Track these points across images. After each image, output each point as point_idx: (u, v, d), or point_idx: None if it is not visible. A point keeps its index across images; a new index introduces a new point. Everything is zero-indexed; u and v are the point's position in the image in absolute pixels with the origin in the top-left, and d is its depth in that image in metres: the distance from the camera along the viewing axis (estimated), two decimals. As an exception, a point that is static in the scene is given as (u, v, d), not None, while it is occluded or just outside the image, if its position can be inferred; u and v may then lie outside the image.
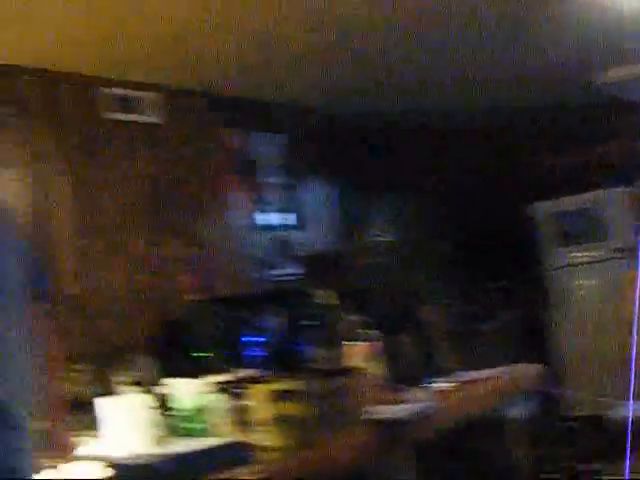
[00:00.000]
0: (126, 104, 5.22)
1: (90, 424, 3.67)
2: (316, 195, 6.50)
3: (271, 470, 2.44)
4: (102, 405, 2.93)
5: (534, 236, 7.73)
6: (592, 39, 5.65)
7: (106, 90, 5.10)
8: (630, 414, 4.27)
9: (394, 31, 5.03)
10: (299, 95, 6.14)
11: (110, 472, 2.50)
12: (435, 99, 6.79)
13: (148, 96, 5.36)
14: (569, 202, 7.60)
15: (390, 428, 2.97)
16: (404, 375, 3.76)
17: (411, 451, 3.21)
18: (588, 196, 7.50)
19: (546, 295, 7.66)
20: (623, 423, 4.87)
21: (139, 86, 5.27)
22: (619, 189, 7.38)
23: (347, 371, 3.20)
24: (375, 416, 3.01)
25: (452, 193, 7.96)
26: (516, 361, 4.39)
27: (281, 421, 2.66)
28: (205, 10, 4.30)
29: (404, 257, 4.32)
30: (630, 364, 5.43)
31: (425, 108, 6.97)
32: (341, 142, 6.71)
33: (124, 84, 5.18)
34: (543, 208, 7.69)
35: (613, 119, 7.52)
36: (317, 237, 6.31)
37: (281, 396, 2.70)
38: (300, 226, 6.21)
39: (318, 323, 4.14)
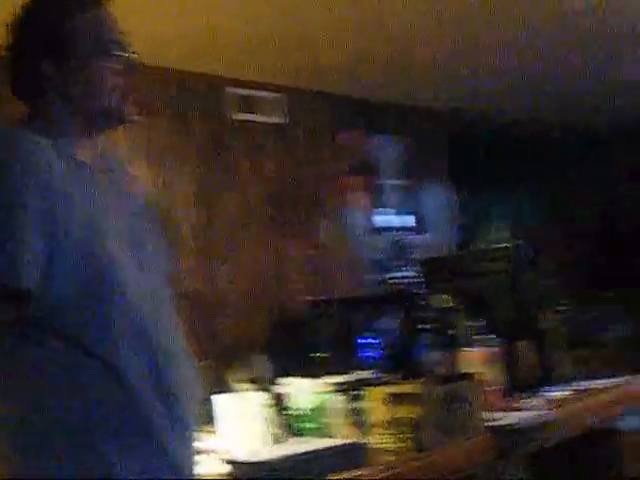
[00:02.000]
0: (251, 104, 5.29)
1: (207, 420, 3.74)
2: (436, 198, 6.48)
3: (386, 473, 2.44)
4: (218, 402, 2.97)
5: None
6: None
7: (232, 90, 5.19)
8: None
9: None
10: (420, 96, 6.13)
11: (227, 468, 2.54)
12: (553, 98, 6.70)
13: (272, 96, 5.42)
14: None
15: (506, 435, 2.94)
16: (522, 382, 3.72)
17: (526, 459, 3.18)
18: None
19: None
20: None
21: (263, 86, 5.34)
22: None
23: (464, 376, 3.18)
24: (491, 423, 2.98)
25: (576, 198, 7.84)
26: (636, 372, 4.30)
27: (396, 424, 2.66)
28: (328, 11, 4.34)
29: (525, 262, 4.26)
30: None
31: (547, 108, 6.88)
32: (463, 144, 6.66)
33: (249, 84, 5.26)
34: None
35: None
36: (436, 240, 6.29)
37: (397, 399, 2.70)
38: (419, 228, 6.20)
39: (436, 327, 4.12)
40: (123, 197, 2.06)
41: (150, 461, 1.82)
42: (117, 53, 2.02)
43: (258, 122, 5.34)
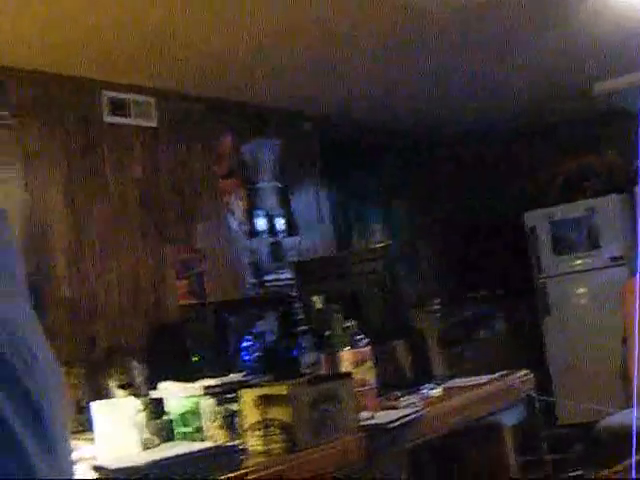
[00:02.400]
0: (123, 108, 5.24)
1: (85, 426, 3.69)
2: (310, 200, 6.52)
3: (259, 475, 2.45)
4: (94, 408, 2.94)
5: (529, 244, 7.76)
6: (587, 49, 5.70)
7: (103, 93, 5.12)
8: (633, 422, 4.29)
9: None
10: (293, 100, 6.17)
11: (97, 475, 2.51)
12: (432, 106, 6.83)
13: (145, 100, 5.37)
14: (563, 210, 7.64)
15: (380, 434, 2.98)
16: (396, 382, 3.78)
17: (402, 457, 3.23)
18: (582, 204, 7.55)
19: (540, 303, 7.69)
20: (613, 431, 4.90)
21: (136, 89, 5.29)
22: (612, 196, 7.42)
23: (337, 377, 3.21)
24: (365, 422, 3.02)
25: (448, 200, 8.00)
26: (508, 368, 4.40)
27: (270, 426, 2.67)
28: (199, 11, 4.32)
29: (398, 263, 4.33)
30: (624, 372, 5.46)
31: (419, 113, 7.00)
32: (335, 147, 6.73)
33: (120, 87, 5.20)
34: (537, 216, 7.72)
35: (606, 128, 7.57)
36: (311, 242, 6.34)
37: (268, 401, 2.71)
38: (294, 231, 6.23)
39: (311, 328, 4.15)
40: None
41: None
42: None
43: (130, 125, 5.29)
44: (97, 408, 2.94)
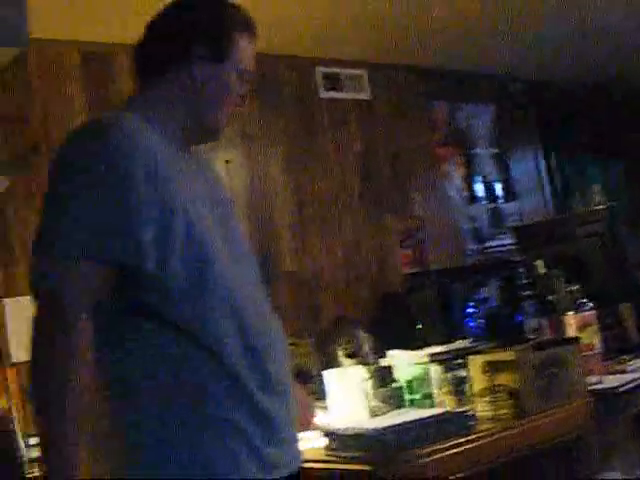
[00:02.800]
0: (336, 82, 5.35)
1: (315, 395, 3.83)
2: (527, 164, 6.45)
3: (488, 439, 2.48)
4: (326, 377, 3.05)
5: None
6: None
7: (317, 69, 5.25)
8: None
9: None
10: (502, 64, 6.10)
11: (327, 441, 2.61)
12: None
13: (357, 73, 5.46)
14: None
15: (609, 399, 2.95)
16: (622, 345, 3.71)
17: (630, 422, 3.18)
18: None
19: None
20: None
21: (348, 64, 5.38)
22: None
23: (563, 342, 3.19)
24: (593, 387, 2.99)
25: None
26: None
27: (496, 392, 2.70)
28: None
29: (620, 224, 4.23)
30: None
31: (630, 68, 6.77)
32: (549, 108, 6.61)
33: (333, 63, 5.31)
34: None
35: None
36: (530, 206, 6.27)
37: (496, 367, 2.73)
38: (512, 196, 6.18)
39: (534, 293, 4.12)
40: (214, 186, 2.14)
41: (258, 432, 1.89)
42: (249, 84, 2.09)
43: (345, 99, 5.39)
44: (328, 376, 3.05)
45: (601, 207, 4.86)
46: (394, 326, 4.78)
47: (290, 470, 1.94)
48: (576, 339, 3.15)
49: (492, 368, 2.72)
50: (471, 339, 3.34)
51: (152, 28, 2.08)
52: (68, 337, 1.73)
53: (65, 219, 1.78)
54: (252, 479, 1.84)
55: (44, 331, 1.75)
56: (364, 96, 5.50)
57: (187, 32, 2.02)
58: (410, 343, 3.37)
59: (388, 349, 3.19)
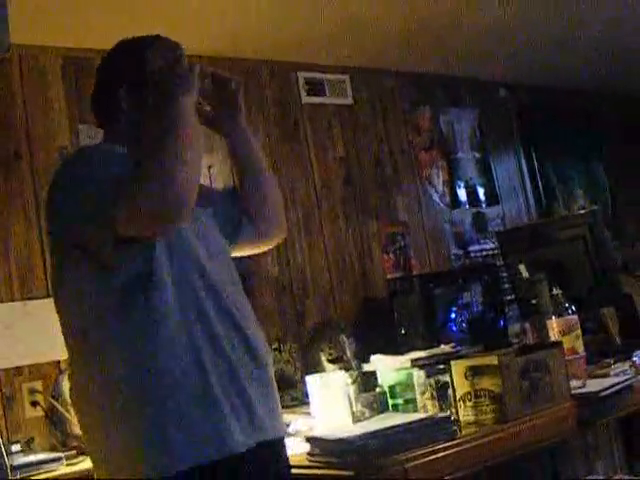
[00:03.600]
0: (319, 88, 5.34)
1: (299, 400, 3.82)
2: (510, 168, 6.46)
3: (470, 445, 2.48)
4: (309, 382, 3.04)
5: None
6: None
7: (299, 74, 5.25)
8: None
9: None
10: (486, 69, 6.12)
11: (309, 446, 2.60)
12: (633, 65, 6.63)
13: (339, 78, 5.46)
14: None
15: (592, 403, 2.95)
16: (605, 349, 3.71)
17: (613, 427, 3.18)
18: None
19: None
20: None
21: (330, 69, 5.39)
22: None
23: (546, 346, 3.19)
24: (576, 391, 2.99)
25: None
26: None
27: (480, 396, 2.69)
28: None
29: (603, 228, 4.24)
30: None
31: (622, 75, 6.80)
32: (532, 113, 6.63)
33: (315, 68, 5.31)
34: None
35: None
36: (513, 211, 6.29)
37: (478, 371, 2.72)
38: (495, 200, 6.19)
39: (517, 298, 4.13)
40: None
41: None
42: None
43: (327, 104, 5.39)
44: (311, 381, 3.04)
45: (583, 211, 4.88)
46: (377, 331, 4.78)
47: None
48: (559, 343, 3.15)
49: (475, 373, 2.72)
50: (454, 344, 3.33)
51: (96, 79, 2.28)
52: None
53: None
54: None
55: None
56: (346, 101, 5.50)
57: (112, 83, 2.19)
58: (393, 348, 3.37)
59: (371, 354, 3.19)
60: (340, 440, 2.46)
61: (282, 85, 5.20)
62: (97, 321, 1.96)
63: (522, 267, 3.99)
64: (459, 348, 3.17)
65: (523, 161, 6.57)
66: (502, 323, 4.19)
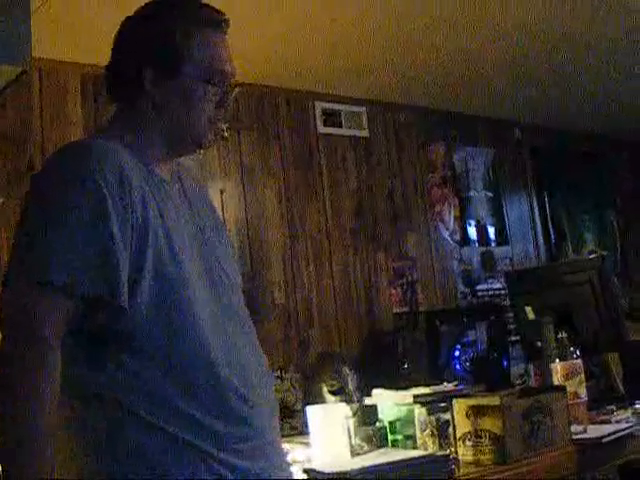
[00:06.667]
0: (335, 118, 5.36)
1: (298, 430, 3.80)
2: (521, 209, 6.46)
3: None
4: (309, 412, 3.03)
5: None
6: None
7: (316, 104, 5.27)
8: None
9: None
10: (502, 109, 6.13)
11: (303, 477, 2.58)
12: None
13: (356, 110, 5.48)
14: None
15: (592, 449, 2.94)
16: (608, 395, 3.70)
17: (613, 474, 3.16)
18: None
19: None
20: None
21: (347, 100, 5.41)
22: None
23: (549, 389, 3.18)
24: (576, 436, 2.98)
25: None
26: None
27: (481, 436, 2.68)
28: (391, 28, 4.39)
29: (611, 274, 4.24)
30: None
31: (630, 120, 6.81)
32: (546, 154, 6.64)
33: (332, 98, 5.33)
34: None
35: None
36: (522, 252, 6.28)
37: (480, 411, 2.72)
38: (505, 240, 6.19)
39: (522, 339, 4.12)
40: (200, 212, 2.09)
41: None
42: (223, 85, 2.03)
43: (343, 135, 5.40)
44: (312, 412, 3.03)
45: (593, 256, 4.88)
46: (381, 365, 4.77)
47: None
48: (562, 388, 3.14)
49: (476, 412, 2.71)
50: (457, 382, 3.33)
51: (113, 50, 2.04)
52: (37, 366, 1.68)
53: (39, 249, 1.73)
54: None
55: (12, 359, 1.69)
56: (362, 133, 5.52)
57: (137, 56, 1.96)
58: (396, 383, 3.36)
59: (373, 388, 3.18)
60: (338, 474, 2.45)
61: (299, 113, 5.22)
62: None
63: (529, 309, 3.99)
64: (461, 387, 3.17)
65: (535, 203, 6.57)
66: (505, 364, 4.17)
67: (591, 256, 4.97)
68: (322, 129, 5.30)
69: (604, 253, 4.58)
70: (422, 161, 5.86)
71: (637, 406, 3.60)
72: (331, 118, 5.34)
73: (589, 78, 5.64)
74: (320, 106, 5.28)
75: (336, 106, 5.38)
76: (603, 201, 7.13)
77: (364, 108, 5.52)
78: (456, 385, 3.17)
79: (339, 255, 5.18)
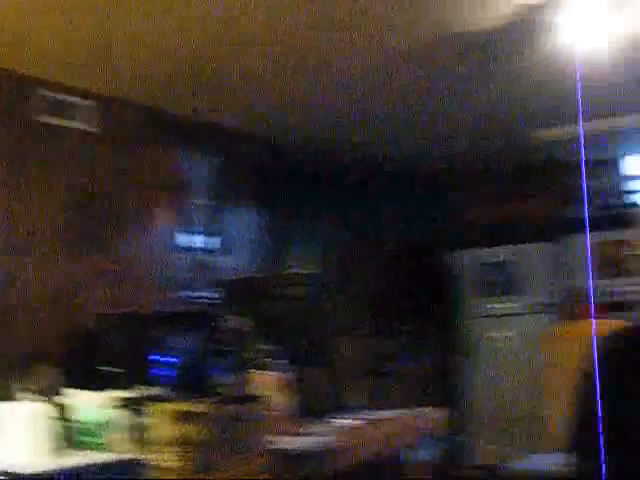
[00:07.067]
0: (62, 109, 5.15)
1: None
2: (242, 221, 6.50)
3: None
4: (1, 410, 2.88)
5: (454, 284, 7.82)
6: (529, 98, 5.78)
7: (40, 91, 5.02)
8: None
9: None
10: (233, 120, 6.15)
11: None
12: (372, 138, 6.86)
13: (84, 102, 5.29)
14: (491, 253, 7.71)
15: (288, 459, 2.96)
16: (310, 408, 3.76)
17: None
18: (510, 249, 7.63)
19: (461, 343, 7.73)
20: (524, 474, 4.92)
21: (75, 91, 5.21)
22: (540, 244, 7.51)
23: (252, 398, 3.19)
24: (275, 446, 3.00)
25: (375, 233, 8.02)
26: (423, 404, 4.40)
27: (181, 442, 2.64)
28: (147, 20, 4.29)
29: (323, 290, 4.33)
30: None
31: (359, 144, 7.03)
32: (273, 171, 6.73)
33: (60, 87, 5.11)
34: (464, 257, 7.79)
35: (541, 176, 7.70)
36: (239, 263, 6.31)
37: (183, 417, 2.68)
38: (223, 250, 6.20)
39: (228, 348, 4.12)
40: None
41: None
42: None
43: (66, 127, 5.20)
44: (3, 410, 2.89)
45: (301, 271, 4.97)
46: (82, 366, 4.62)
47: None
48: (260, 397, 3.16)
49: (174, 418, 2.67)
50: (160, 387, 3.27)
51: None
52: None
53: None
54: None
55: None
56: (89, 127, 5.32)
57: None
58: (96, 384, 3.26)
59: (73, 388, 3.08)
60: (29, 475, 2.35)
61: (21, 100, 4.96)
62: None
63: (236, 318, 4.00)
64: (164, 392, 3.12)
65: (255, 215, 6.63)
66: (211, 372, 4.15)
67: (304, 271, 5.06)
68: (44, 118, 5.06)
69: (312, 269, 4.68)
70: (147, 163, 5.75)
71: (334, 421, 3.68)
72: (56, 108, 5.12)
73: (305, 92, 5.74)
74: (43, 93, 5.04)
75: (63, 96, 5.15)
76: (325, 216, 7.32)
77: (91, 101, 5.34)
78: (157, 390, 3.12)
79: (50, 251, 4.98)
